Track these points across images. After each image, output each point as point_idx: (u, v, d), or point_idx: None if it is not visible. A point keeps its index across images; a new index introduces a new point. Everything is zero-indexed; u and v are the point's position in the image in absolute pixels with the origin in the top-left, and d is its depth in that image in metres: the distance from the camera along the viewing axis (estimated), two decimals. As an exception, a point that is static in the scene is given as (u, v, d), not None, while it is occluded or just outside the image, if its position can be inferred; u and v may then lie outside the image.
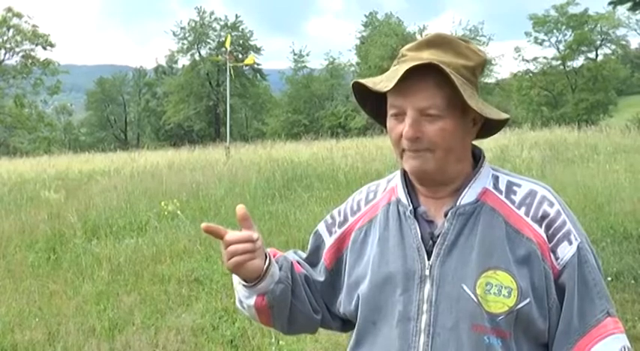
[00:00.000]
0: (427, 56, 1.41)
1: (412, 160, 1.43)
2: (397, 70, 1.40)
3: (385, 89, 1.40)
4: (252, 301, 1.54)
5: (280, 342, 5.14)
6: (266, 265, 1.50)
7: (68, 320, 5.98)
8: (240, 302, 1.59)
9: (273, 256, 1.56)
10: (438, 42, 1.45)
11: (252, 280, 1.51)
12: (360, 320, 1.51)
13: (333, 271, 1.62)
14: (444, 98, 1.38)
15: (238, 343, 5.37)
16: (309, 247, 1.70)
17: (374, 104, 1.54)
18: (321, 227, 1.68)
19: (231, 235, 1.46)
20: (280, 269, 1.55)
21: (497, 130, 1.54)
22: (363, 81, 1.47)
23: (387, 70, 1.53)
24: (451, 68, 1.38)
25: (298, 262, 1.65)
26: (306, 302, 1.60)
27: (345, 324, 1.66)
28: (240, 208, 1.48)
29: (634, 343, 4.69)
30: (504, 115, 1.47)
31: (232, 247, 1.45)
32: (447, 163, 1.44)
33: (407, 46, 1.49)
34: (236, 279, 1.55)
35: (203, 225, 1.46)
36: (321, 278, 1.63)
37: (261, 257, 1.49)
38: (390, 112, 1.45)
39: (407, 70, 1.36)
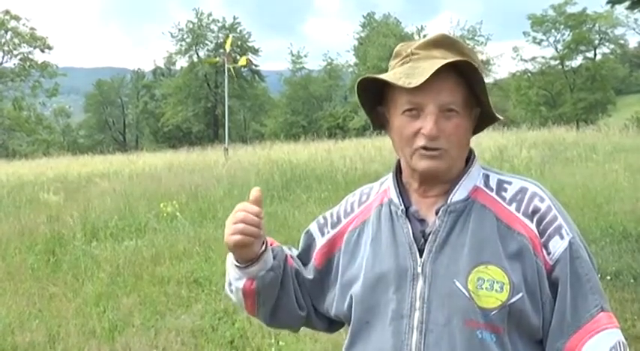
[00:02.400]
0: (439, 55, 1.43)
1: (428, 159, 1.44)
2: (417, 68, 1.41)
3: (411, 85, 1.39)
4: (241, 283, 1.55)
5: (280, 343, 5.14)
6: (261, 250, 1.52)
7: (68, 322, 5.98)
8: (230, 285, 1.60)
9: (271, 245, 1.57)
10: (446, 42, 1.47)
11: (245, 262, 1.52)
12: (354, 320, 1.51)
13: (323, 272, 1.63)
14: (462, 97, 1.42)
15: (238, 344, 5.36)
16: (300, 245, 1.70)
17: (370, 104, 1.55)
18: (313, 227, 1.69)
19: (244, 226, 1.46)
20: (274, 258, 1.55)
21: (482, 130, 1.57)
22: (381, 76, 1.47)
23: (385, 70, 1.53)
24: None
25: (291, 257, 1.66)
26: (292, 296, 1.61)
27: (332, 325, 1.67)
28: (256, 190, 1.51)
29: (634, 342, 4.70)
30: (499, 116, 1.52)
31: (241, 226, 1.45)
32: (456, 160, 1.47)
33: (413, 45, 1.49)
34: (230, 260, 1.56)
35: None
36: (310, 277, 1.64)
37: (260, 241, 1.51)
38: (404, 108, 1.44)
39: (441, 66, 1.36)
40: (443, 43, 1.46)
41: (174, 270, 7.65)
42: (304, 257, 1.67)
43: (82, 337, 5.62)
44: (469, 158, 1.53)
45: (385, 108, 1.52)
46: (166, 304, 6.54)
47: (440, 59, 1.40)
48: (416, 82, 1.38)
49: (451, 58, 1.41)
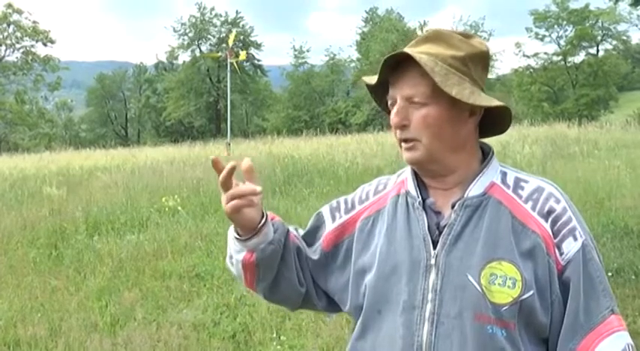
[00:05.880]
0: (420, 50, 1.46)
1: (405, 151, 1.49)
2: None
3: (370, 81, 1.51)
4: (241, 255, 1.56)
5: (282, 337, 5.15)
6: (261, 223, 1.52)
7: (70, 316, 6.00)
8: (230, 258, 1.61)
9: (271, 219, 1.58)
10: (434, 37, 1.50)
11: (246, 234, 1.53)
12: (366, 309, 1.52)
13: (329, 255, 1.64)
14: (429, 87, 1.42)
15: (240, 339, 5.38)
16: (308, 225, 1.71)
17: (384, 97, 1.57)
18: (325, 210, 1.70)
19: (235, 188, 1.47)
20: (275, 232, 1.56)
21: (504, 126, 1.56)
22: (364, 78, 1.54)
23: None
24: (439, 59, 1.44)
25: (296, 236, 1.66)
26: (293, 271, 1.61)
27: (331, 304, 1.68)
28: (247, 161, 1.50)
29: (634, 338, 4.71)
30: (496, 102, 1.46)
31: (233, 190, 1.46)
32: (438, 152, 1.46)
33: (410, 43, 1.54)
34: (231, 233, 1.57)
35: (213, 158, 1.49)
36: (315, 257, 1.65)
37: (259, 212, 1.51)
38: (389, 102, 1.51)
39: (384, 60, 1.45)
40: (431, 38, 1.50)
41: (176, 264, 7.67)
42: (310, 238, 1.68)
43: (83, 331, 5.64)
44: (487, 155, 1.55)
45: None
46: (168, 298, 6.56)
47: (397, 52, 1.46)
48: (375, 80, 1.50)
49: (431, 51, 1.45)
